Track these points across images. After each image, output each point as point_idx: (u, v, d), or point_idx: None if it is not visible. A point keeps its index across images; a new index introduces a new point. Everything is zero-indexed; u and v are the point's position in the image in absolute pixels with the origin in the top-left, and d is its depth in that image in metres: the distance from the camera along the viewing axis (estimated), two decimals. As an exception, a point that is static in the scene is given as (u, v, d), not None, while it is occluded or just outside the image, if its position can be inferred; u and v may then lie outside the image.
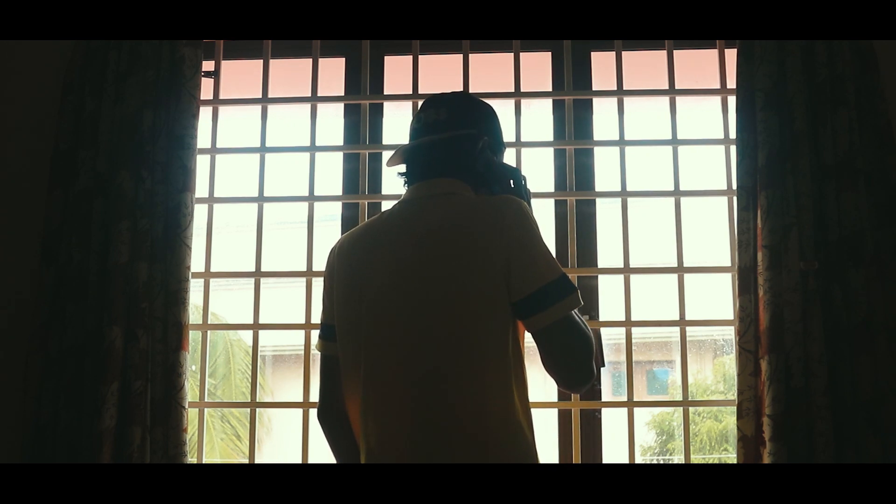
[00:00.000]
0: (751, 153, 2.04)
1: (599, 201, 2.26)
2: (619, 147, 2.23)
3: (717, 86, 2.25)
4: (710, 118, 2.32)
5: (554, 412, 2.18)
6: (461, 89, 2.26)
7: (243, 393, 6.78)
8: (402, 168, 1.64)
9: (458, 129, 1.56)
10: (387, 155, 2.32)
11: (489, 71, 2.41)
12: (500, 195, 1.52)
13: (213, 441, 6.93)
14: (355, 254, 1.55)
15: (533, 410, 2.13)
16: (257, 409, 2.20)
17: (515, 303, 1.40)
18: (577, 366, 1.43)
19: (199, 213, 2.17)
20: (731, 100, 2.21)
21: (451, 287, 1.41)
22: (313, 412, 2.16)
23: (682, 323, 2.15)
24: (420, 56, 2.31)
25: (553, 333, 1.41)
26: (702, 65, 2.37)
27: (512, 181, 1.61)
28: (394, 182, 2.36)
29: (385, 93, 2.35)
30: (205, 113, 2.27)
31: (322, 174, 2.29)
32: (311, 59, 2.33)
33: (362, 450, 1.48)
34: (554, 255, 2.16)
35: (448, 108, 1.60)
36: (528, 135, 2.25)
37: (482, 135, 1.58)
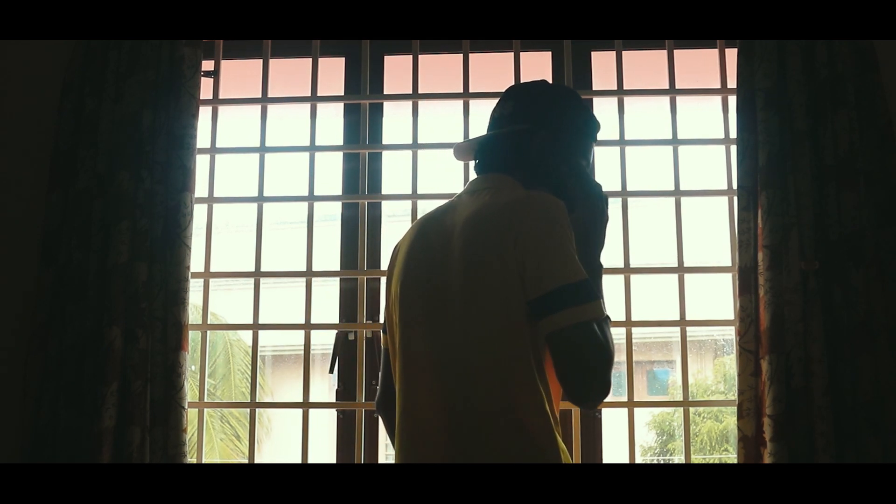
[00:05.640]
0: (751, 153, 2.04)
1: (600, 201, 2.26)
2: (619, 147, 2.23)
3: (718, 85, 2.25)
4: (711, 118, 2.32)
5: (554, 412, 2.17)
6: (462, 88, 2.27)
7: (243, 393, 6.79)
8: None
9: (516, 125, 1.54)
10: (387, 155, 2.33)
11: (489, 71, 2.41)
12: (537, 191, 1.45)
13: (212, 441, 6.94)
14: (403, 249, 1.56)
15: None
16: (257, 410, 2.20)
17: (529, 302, 1.35)
18: (585, 378, 1.33)
19: (199, 212, 2.17)
20: (732, 99, 2.21)
21: (468, 282, 1.39)
22: (313, 412, 2.17)
23: (683, 323, 2.15)
24: (420, 56, 2.31)
25: (562, 339, 1.33)
26: (702, 64, 2.37)
27: (576, 185, 1.55)
28: (394, 182, 2.36)
29: (385, 93, 2.35)
30: (204, 113, 2.27)
31: (322, 174, 2.28)
32: (310, 59, 2.33)
33: (395, 444, 1.49)
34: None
35: (516, 100, 1.59)
36: (528, 135, 2.25)
37: (539, 130, 1.53)
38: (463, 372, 1.38)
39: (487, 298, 1.38)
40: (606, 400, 2.17)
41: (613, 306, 2.21)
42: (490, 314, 1.37)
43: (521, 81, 1.64)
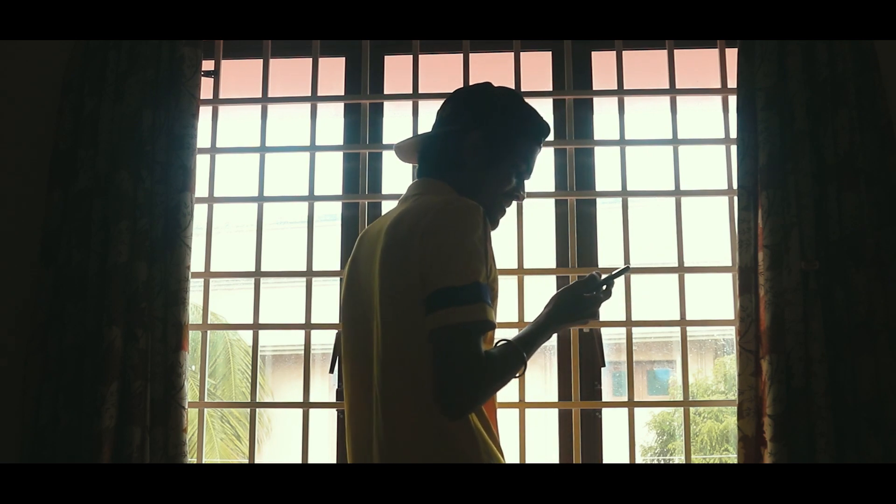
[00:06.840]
0: (751, 153, 2.04)
1: (600, 201, 2.26)
2: (619, 147, 2.23)
3: (718, 85, 2.25)
4: (711, 118, 2.32)
5: (554, 412, 2.17)
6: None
7: (243, 393, 6.79)
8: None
9: (451, 126, 1.53)
10: (387, 154, 2.32)
11: (489, 71, 2.40)
12: (458, 197, 1.41)
13: (212, 441, 6.93)
14: (349, 261, 1.58)
15: (534, 410, 2.13)
16: (257, 410, 2.20)
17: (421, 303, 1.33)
18: (441, 382, 1.29)
19: (199, 212, 2.17)
20: (732, 99, 2.21)
21: (383, 290, 1.39)
22: (314, 412, 2.17)
23: (683, 323, 2.15)
24: (420, 56, 2.31)
25: (433, 342, 1.30)
26: (702, 64, 2.37)
27: (515, 181, 1.55)
28: (394, 182, 2.36)
29: (385, 92, 2.35)
30: (204, 112, 2.27)
31: (322, 174, 2.28)
32: (311, 59, 2.32)
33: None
34: (554, 255, 2.14)
35: (454, 102, 1.58)
36: (528, 134, 2.25)
37: (472, 130, 1.51)
38: (383, 381, 1.38)
39: (400, 307, 1.36)
40: (607, 400, 2.19)
41: (614, 306, 2.22)
42: (401, 321, 1.36)
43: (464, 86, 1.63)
